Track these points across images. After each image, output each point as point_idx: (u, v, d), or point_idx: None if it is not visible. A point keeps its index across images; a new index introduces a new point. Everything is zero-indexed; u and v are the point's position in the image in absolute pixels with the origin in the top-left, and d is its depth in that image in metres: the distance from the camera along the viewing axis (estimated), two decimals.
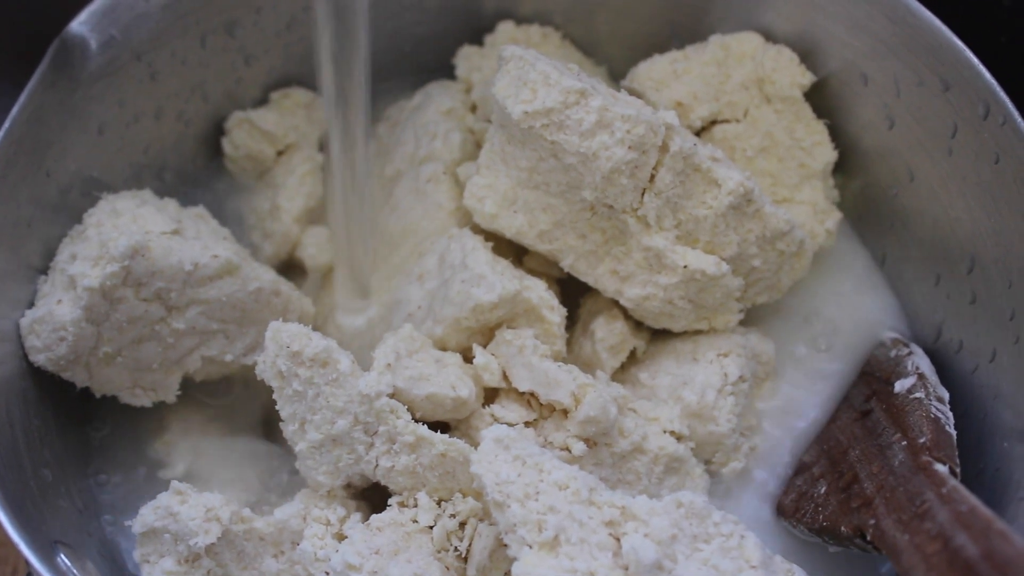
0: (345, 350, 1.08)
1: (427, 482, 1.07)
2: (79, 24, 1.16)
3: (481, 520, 1.05)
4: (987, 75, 1.11)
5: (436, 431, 1.07)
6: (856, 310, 1.28)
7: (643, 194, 1.12)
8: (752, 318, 1.24)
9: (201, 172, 1.36)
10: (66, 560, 0.99)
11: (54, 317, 1.08)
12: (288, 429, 1.08)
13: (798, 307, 1.27)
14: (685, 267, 1.13)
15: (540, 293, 1.14)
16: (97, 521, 1.14)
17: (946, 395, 1.12)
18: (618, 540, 0.96)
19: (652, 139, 1.09)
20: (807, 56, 1.28)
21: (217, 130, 1.35)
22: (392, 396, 1.06)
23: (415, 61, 1.39)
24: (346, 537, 1.03)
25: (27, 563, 0.95)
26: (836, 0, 1.23)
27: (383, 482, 1.08)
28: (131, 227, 1.11)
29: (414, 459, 1.06)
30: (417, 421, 1.07)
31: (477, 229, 1.18)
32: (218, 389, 1.23)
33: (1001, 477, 1.09)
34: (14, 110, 1.11)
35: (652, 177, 1.12)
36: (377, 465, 1.07)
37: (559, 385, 1.09)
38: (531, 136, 1.10)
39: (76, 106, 1.18)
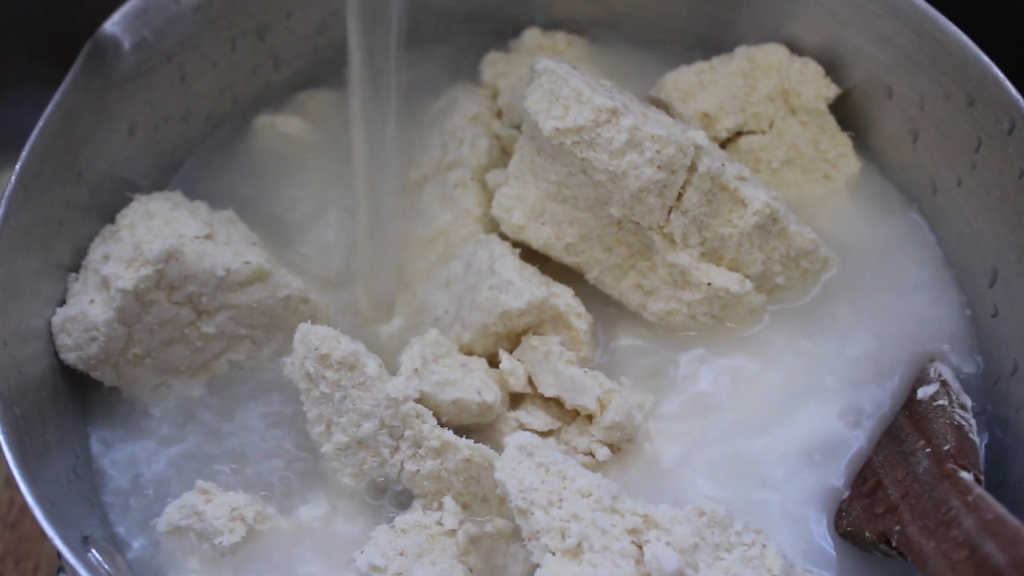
0: (373, 354, 1.09)
1: (452, 487, 1.08)
2: (112, 25, 1.17)
3: (509, 541, 1.06)
4: (1013, 90, 1.12)
5: (462, 436, 1.08)
6: None
7: (670, 212, 1.13)
8: None
9: None
10: (97, 555, 1.00)
11: (86, 317, 1.09)
12: (314, 431, 1.10)
13: None
14: (709, 284, 1.15)
15: (567, 300, 1.15)
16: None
17: (969, 402, 1.12)
18: (640, 548, 0.97)
19: (681, 159, 1.10)
20: (832, 68, 1.29)
21: (244, 132, 1.36)
22: (419, 401, 1.08)
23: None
24: None
25: (59, 557, 0.96)
26: (862, 13, 1.24)
27: (407, 486, 1.09)
28: (165, 230, 1.12)
29: (439, 464, 1.07)
30: (443, 426, 1.08)
31: (504, 235, 1.19)
32: None
33: None
34: (48, 109, 1.12)
35: (679, 196, 1.13)
36: (402, 469, 1.08)
37: (584, 391, 1.10)
38: (561, 151, 1.11)
39: (108, 106, 1.19)
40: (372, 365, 1.07)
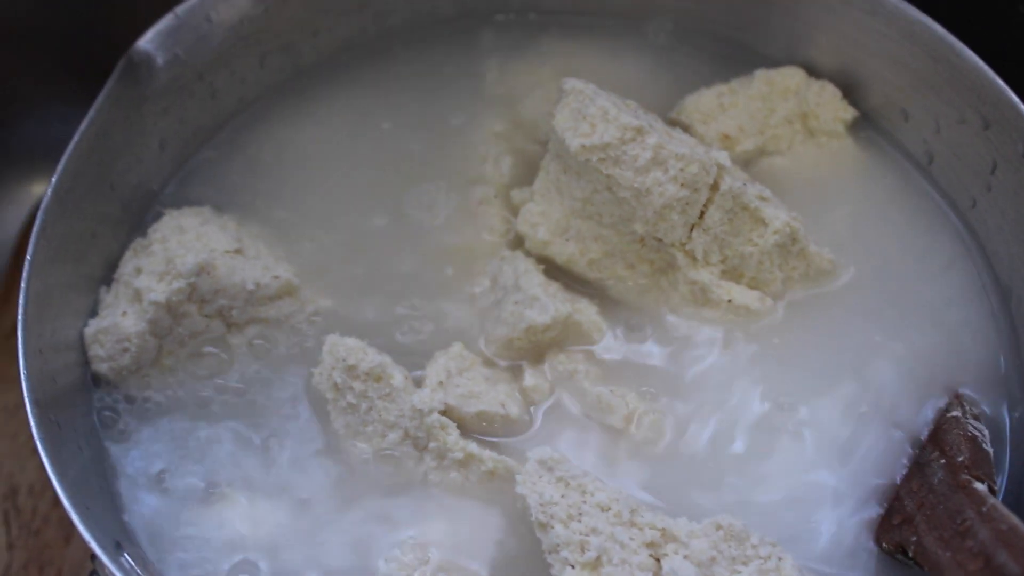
0: (399, 366, 1.11)
1: (474, 495, 1.10)
2: (145, 43, 1.20)
3: None
4: None
5: (485, 449, 1.10)
6: None
7: (692, 230, 1.16)
8: None
9: None
10: (129, 559, 1.02)
11: (119, 328, 1.11)
12: (340, 441, 1.12)
13: None
14: (729, 302, 1.17)
15: (591, 316, 1.17)
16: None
17: (984, 411, 1.14)
18: (658, 561, 0.99)
19: (704, 178, 1.13)
20: (849, 91, 1.31)
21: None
22: (443, 413, 1.10)
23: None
24: None
25: (92, 560, 0.98)
26: (878, 38, 1.26)
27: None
28: (196, 244, 1.14)
29: (463, 475, 1.09)
30: (467, 438, 1.10)
31: (528, 251, 1.21)
32: None
33: None
34: (83, 124, 1.14)
35: (702, 214, 1.15)
36: (426, 480, 1.10)
37: (612, 411, 1.13)
38: (587, 168, 1.14)
39: (141, 122, 1.22)
40: (398, 377, 1.10)
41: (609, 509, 1.00)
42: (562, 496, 1.01)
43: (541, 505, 1.01)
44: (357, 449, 1.11)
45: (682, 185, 1.12)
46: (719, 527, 1.00)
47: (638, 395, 1.15)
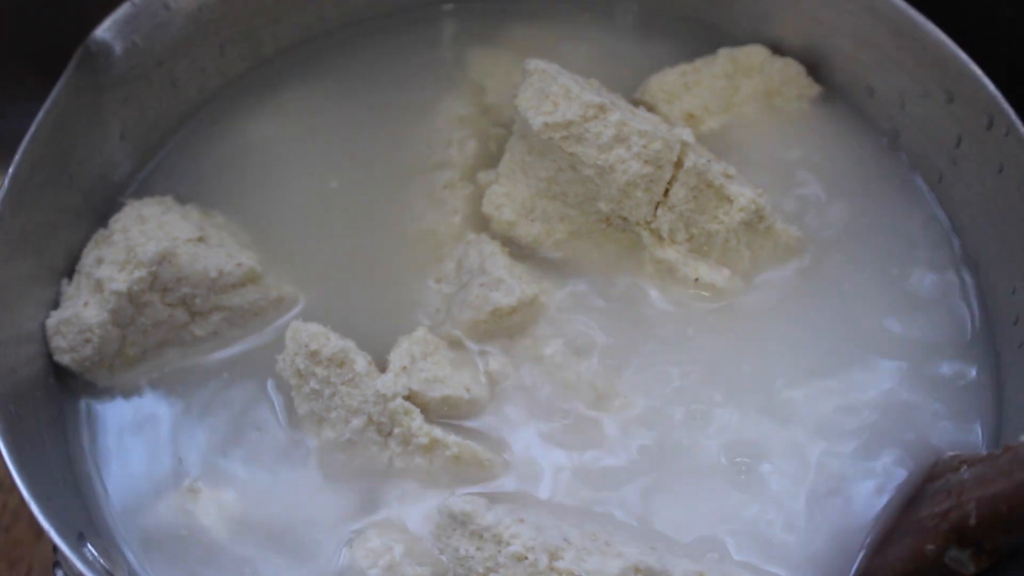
0: (363, 351, 1.11)
1: (439, 481, 1.09)
2: (103, 31, 1.18)
3: None
4: (991, 87, 1.14)
5: (450, 434, 1.09)
6: None
7: (657, 208, 1.15)
8: None
9: None
10: (93, 550, 1.01)
11: (80, 319, 1.10)
12: (304, 427, 1.11)
13: None
14: (696, 280, 1.16)
15: (558, 297, 1.17)
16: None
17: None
18: None
19: (668, 155, 1.13)
20: (814, 68, 1.31)
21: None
22: (408, 398, 1.09)
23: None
24: None
25: (55, 552, 0.97)
26: (841, 14, 1.26)
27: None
28: (158, 233, 1.13)
29: (428, 461, 1.08)
30: (432, 423, 1.09)
31: (494, 235, 1.21)
32: None
33: None
34: (40, 114, 1.13)
35: (666, 192, 1.15)
36: (391, 465, 1.09)
37: (577, 394, 1.13)
38: (550, 147, 1.13)
39: (99, 111, 1.20)
40: (361, 362, 1.09)
41: (525, 559, 0.96)
42: (478, 549, 0.98)
43: (458, 559, 0.99)
44: (322, 435, 1.10)
45: (645, 162, 1.12)
46: (638, 570, 0.96)
47: (605, 378, 1.14)
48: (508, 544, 0.97)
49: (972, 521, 0.94)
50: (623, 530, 1.06)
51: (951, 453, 1.09)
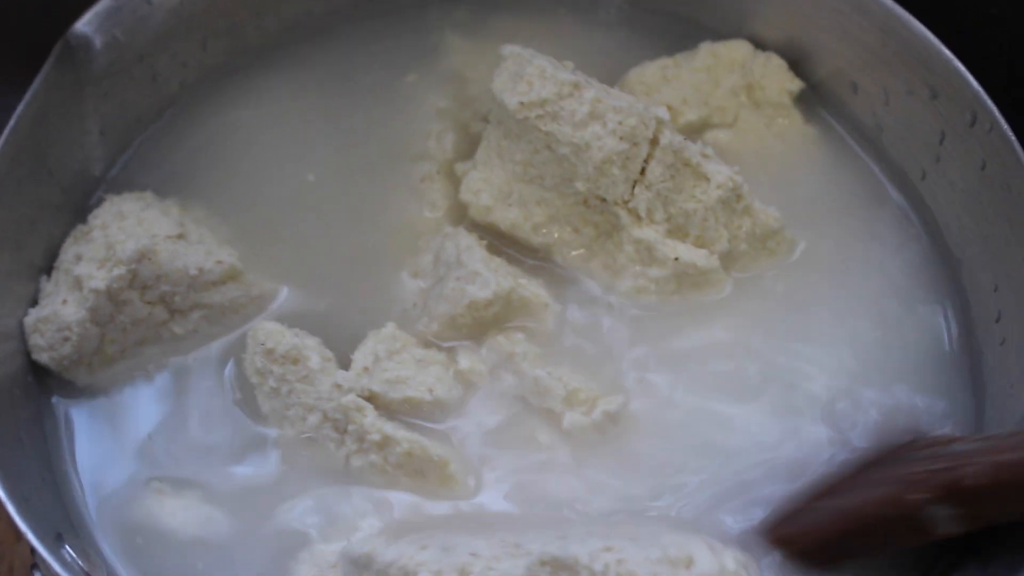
0: (324, 348, 1.11)
1: (398, 481, 1.09)
2: (83, 25, 1.17)
3: None
4: (974, 84, 1.14)
5: (401, 430, 1.09)
6: None
7: (634, 186, 1.15)
8: None
9: None
10: (71, 551, 1.00)
11: (59, 317, 1.10)
12: (267, 424, 1.12)
13: None
14: (676, 259, 1.16)
15: (535, 290, 1.16)
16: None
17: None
18: None
19: (643, 131, 1.13)
20: (797, 64, 1.30)
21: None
22: (369, 399, 1.09)
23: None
24: None
25: (32, 554, 0.96)
26: (825, 10, 1.25)
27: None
28: (137, 230, 1.12)
29: (382, 457, 1.08)
30: (392, 420, 1.10)
31: (472, 228, 1.20)
32: None
33: None
34: (19, 108, 1.12)
35: (643, 170, 1.15)
36: (348, 463, 1.09)
37: (548, 393, 1.12)
38: (526, 128, 1.14)
39: (79, 106, 1.19)
40: (315, 359, 1.09)
41: None
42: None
43: None
44: (283, 433, 1.11)
45: (621, 138, 1.12)
46: (543, 563, 0.94)
47: (578, 377, 1.13)
48: (415, 574, 0.95)
49: (969, 482, 0.94)
50: (558, 524, 1.05)
51: (941, 431, 1.11)
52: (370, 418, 1.08)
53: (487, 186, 1.19)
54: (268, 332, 1.10)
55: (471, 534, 1.00)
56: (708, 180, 1.15)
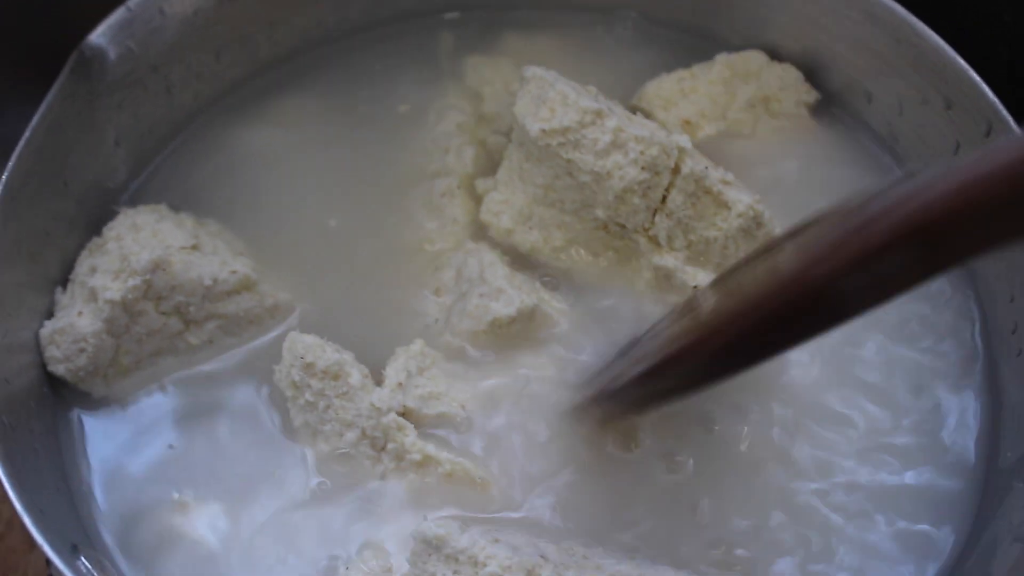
0: (360, 364, 1.10)
1: (430, 504, 1.08)
2: (97, 36, 1.17)
3: None
4: (990, 94, 1.14)
5: (443, 451, 1.09)
6: None
7: (654, 214, 1.15)
8: None
9: None
10: (86, 563, 1.00)
11: (75, 329, 1.10)
12: (300, 439, 1.11)
13: None
14: (695, 287, 1.16)
15: (557, 307, 1.16)
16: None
17: None
18: None
19: (665, 161, 1.12)
20: (812, 74, 1.31)
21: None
22: (403, 414, 1.09)
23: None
24: None
25: (48, 566, 0.96)
26: (840, 20, 1.26)
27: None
28: (152, 241, 1.12)
29: (420, 477, 1.08)
30: (427, 439, 1.09)
31: (494, 244, 1.20)
32: None
33: None
34: (34, 120, 1.12)
35: (664, 198, 1.14)
36: (384, 480, 1.08)
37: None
38: (548, 154, 1.13)
39: (94, 117, 1.19)
40: (356, 375, 1.09)
41: None
42: (454, 573, 0.97)
43: None
44: (317, 447, 1.09)
45: (642, 168, 1.11)
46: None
47: None
48: (484, 565, 0.96)
49: (936, 209, 0.75)
50: (604, 545, 1.04)
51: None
52: (411, 437, 1.08)
53: (508, 208, 1.19)
54: (307, 346, 1.09)
55: (536, 536, 1.01)
56: (729, 208, 1.15)
